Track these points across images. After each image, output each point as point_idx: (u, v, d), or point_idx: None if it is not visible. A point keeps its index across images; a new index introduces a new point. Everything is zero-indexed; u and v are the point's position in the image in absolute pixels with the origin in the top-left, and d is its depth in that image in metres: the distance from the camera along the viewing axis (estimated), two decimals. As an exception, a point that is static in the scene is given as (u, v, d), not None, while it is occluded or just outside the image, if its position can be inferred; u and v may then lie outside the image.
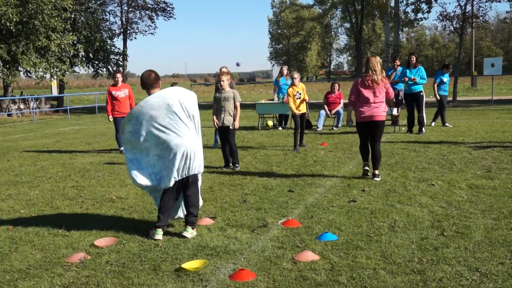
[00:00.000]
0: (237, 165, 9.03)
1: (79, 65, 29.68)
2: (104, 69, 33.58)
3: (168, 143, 5.18)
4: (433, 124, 14.70)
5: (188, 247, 4.97)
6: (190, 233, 5.28)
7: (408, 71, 13.24)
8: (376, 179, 7.67)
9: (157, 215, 5.39)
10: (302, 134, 11.41)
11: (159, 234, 5.25)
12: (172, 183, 5.29)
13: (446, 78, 14.47)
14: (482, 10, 27.31)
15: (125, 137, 5.33)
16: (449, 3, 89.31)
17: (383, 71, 7.83)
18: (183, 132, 5.23)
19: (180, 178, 5.32)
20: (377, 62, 7.62)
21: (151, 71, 5.47)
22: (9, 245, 5.20)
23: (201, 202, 5.71)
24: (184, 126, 5.25)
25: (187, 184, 5.40)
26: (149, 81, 5.38)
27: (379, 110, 7.62)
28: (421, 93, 13.21)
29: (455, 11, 27.80)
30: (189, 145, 5.25)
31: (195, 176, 5.45)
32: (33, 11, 23.77)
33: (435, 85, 14.42)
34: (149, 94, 5.35)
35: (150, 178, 5.30)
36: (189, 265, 4.40)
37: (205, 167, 8.74)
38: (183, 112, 5.26)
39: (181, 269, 4.36)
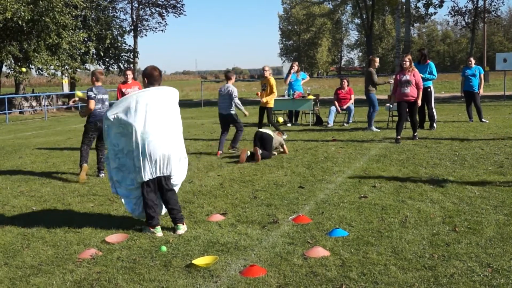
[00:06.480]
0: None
1: (89, 63, 29.80)
2: (115, 66, 33.72)
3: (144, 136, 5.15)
4: (484, 120, 14.34)
5: (199, 243, 4.98)
6: (182, 229, 5.33)
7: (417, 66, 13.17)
8: None
9: (147, 215, 5.35)
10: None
11: (158, 231, 5.28)
12: (146, 177, 5.22)
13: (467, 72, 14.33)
14: (494, 5, 27.30)
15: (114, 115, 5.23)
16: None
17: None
18: (165, 134, 5.23)
19: (154, 176, 5.27)
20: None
21: (154, 69, 5.46)
22: (21, 242, 5.24)
23: None
24: (168, 126, 5.29)
25: (161, 186, 5.36)
26: (152, 79, 5.41)
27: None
28: (429, 89, 13.11)
29: (467, 6, 27.70)
30: (166, 149, 5.23)
31: (168, 179, 5.38)
32: (44, 9, 23.88)
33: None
34: None
35: (132, 182, 5.36)
36: (199, 261, 4.41)
37: (213, 166, 8.72)
38: (170, 110, 5.35)
39: (192, 265, 4.37)
